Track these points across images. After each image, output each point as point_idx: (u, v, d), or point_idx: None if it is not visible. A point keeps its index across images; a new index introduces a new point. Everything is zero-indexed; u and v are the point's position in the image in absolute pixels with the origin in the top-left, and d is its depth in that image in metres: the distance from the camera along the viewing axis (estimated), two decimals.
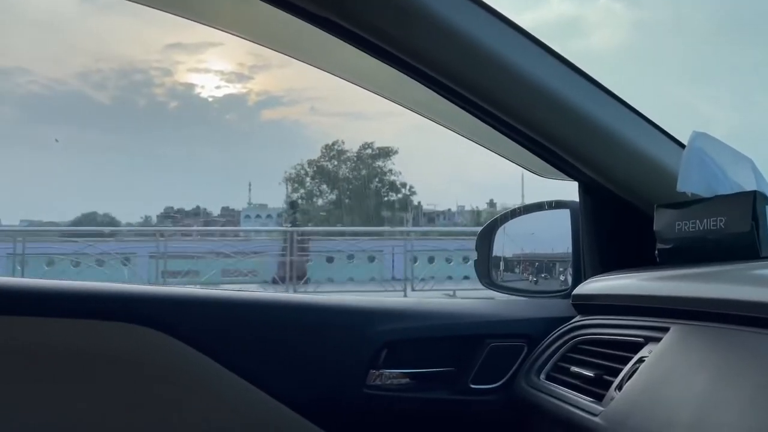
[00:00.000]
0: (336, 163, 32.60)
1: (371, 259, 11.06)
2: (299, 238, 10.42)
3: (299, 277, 9.90)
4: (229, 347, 1.06)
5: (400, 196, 33.22)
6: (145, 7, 1.06)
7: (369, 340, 1.09)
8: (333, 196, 32.58)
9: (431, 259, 10.99)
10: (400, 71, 0.97)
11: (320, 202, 32.61)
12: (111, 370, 1.03)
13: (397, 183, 32.68)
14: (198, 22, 1.09)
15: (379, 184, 32.58)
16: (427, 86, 0.99)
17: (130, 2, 1.05)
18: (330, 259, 10.91)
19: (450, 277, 10.47)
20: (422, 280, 10.25)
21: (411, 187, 33.38)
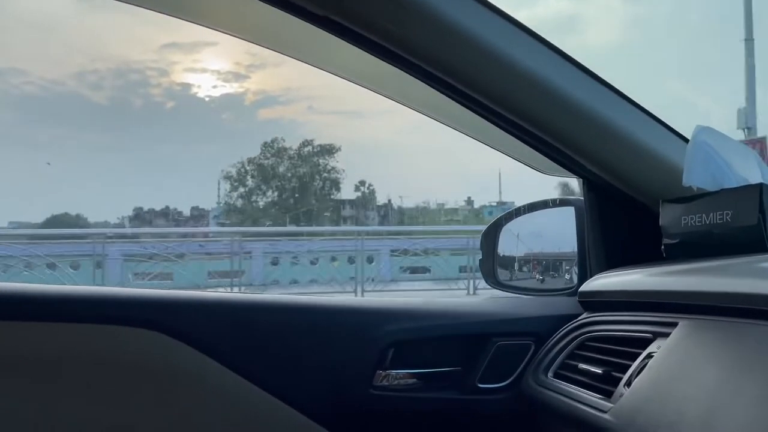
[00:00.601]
0: (276, 160, 32.54)
1: None
2: None
3: None
4: (235, 349, 1.07)
5: (358, 194, 33.59)
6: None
7: (375, 341, 1.10)
8: (274, 195, 32.55)
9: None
10: (401, 70, 0.98)
11: (261, 200, 32.34)
12: (116, 374, 1.05)
13: (341, 180, 32.73)
14: (195, 22, 1.10)
15: (320, 183, 32.64)
16: (429, 84, 1.00)
17: (127, 3, 1.05)
18: None
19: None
20: None
21: (370, 184, 33.83)
